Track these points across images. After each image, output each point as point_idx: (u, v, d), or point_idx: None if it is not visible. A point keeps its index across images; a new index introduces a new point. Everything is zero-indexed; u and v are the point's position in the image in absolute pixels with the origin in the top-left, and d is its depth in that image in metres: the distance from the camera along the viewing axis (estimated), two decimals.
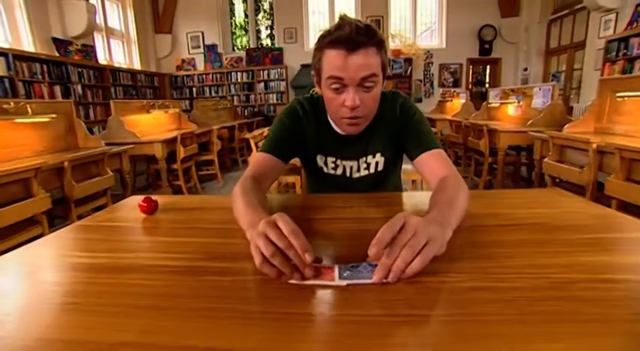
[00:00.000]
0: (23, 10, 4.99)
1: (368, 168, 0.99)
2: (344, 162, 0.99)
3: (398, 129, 0.94)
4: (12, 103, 2.33)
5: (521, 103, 3.77)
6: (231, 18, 8.49)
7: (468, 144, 3.81)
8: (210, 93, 8.38)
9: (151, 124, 4.05)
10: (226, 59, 8.24)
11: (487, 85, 8.04)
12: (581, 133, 2.52)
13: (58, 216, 2.34)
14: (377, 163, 0.99)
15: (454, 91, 6.38)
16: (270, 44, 8.36)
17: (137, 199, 0.83)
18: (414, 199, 0.97)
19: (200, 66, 8.34)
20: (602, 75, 4.92)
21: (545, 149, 2.60)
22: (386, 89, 0.97)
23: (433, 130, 4.20)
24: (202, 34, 8.19)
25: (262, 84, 8.21)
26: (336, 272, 0.48)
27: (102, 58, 6.57)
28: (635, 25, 4.55)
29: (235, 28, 8.57)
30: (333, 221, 0.75)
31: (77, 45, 5.69)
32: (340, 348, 0.36)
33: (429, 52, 7.90)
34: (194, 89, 8.40)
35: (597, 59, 5.20)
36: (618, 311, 0.40)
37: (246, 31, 8.48)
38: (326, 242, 0.64)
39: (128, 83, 7.01)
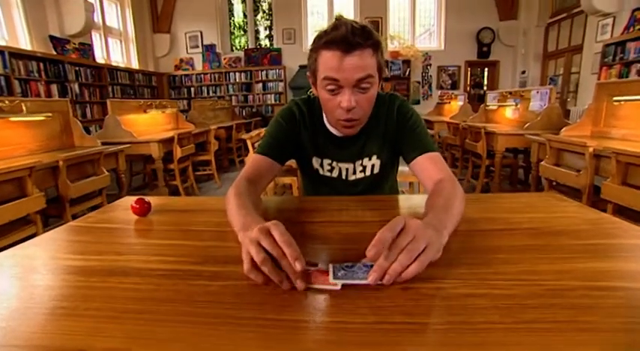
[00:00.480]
0: (20, 7, 4.96)
1: (364, 170, 0.99)
2: (340, 164, 0.98)
3: (394, 131, 0.94)
4: (7, 101, 2.31)
5: (518, 106, 3.78)
6: (230, 18, 8.48)
7: (466, 146, 3.81)
8: (208, 93, 8.36)
9: (148, 124, 4.03)
10: (224, 59, 8.23)
11: (485, 88, 8.06)
12: (578, 136, 2.52)
13: (52, 215, 2.32)
14: (373, 165, 0.98)
15: (452, 94, 6.40)
16: (268, 45, 8.36)
17: (131, 199, 0.82)
18: (410, 201, 0.96)
19: (198, 66, 8.32)
20: (599, 79, 4.94)
21: (543, 152, 2.61)
22: (383, 91, 0.96)
23: (431, 132, 4.19)
24: (201, 33, 8.17)
25: (260, 84, 8.21)
26: (330, 272, 0.48)
27: (99, 57, 6.55)
28: (631, 29, 4.58)
29: (234, 29, 8.56)
30: (328, 224, 0.74)
31: (75, 43, 5.66)
32: None
33: (427, 54, 7.92)
34: (192, 89, 8.38)
35: (594, 63, 5.23)
36: (614, 320, 0.39)
37: (245, 31, 8.47)
38: (321, 245, 0.63)
39: (126, 82, 6.98)
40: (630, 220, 1.62)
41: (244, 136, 2.74)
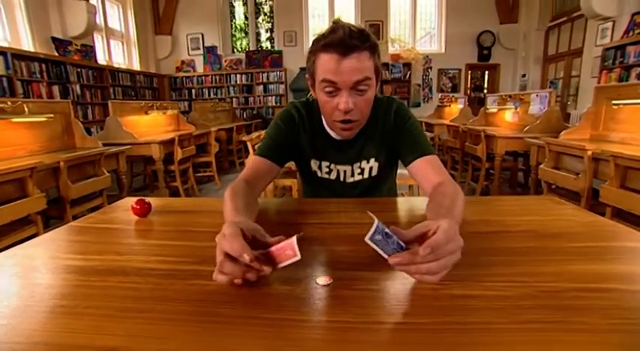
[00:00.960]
0: (23, 9, 4.99)
1: (362, 173, 0.99)
2: (338, 167, 0.99)
3: (392, 134, 0.94)
4: (9, 103, 2.32)
5: (518, 110, 3.79)
6: (232, 20, 8.51)
7: (466, 149, 3.82)
8: (209, 95, 8.37)
9: (149, 125, 4.05)
10: (226, 61, 8.26)
11: (485, 91, 8.08)
12: (577, 140, 2.53)
13: (53, 216, 2.33)
14: (371, 168, 0.99)
15: (452, 96, 6.41)
16: (269, 47, 8.38)
17: (131, 200, 0.83)
18: (408, 204, 0.97)
19: (199, 68, 8.34)
20: (599, 82, 4.95)
21: (542, 155, 2.62)
22: (381, 95, 0.98)
23: (431, 134, 4.18)
24: (202, 35, 8.20)
25: (261, 86, 8.22)
26: (373, 228, 0.47)
27: (101, 59, 6.57)
28: (631, 33, 4.59)
29: (235, 31, 8.59)
30: (327, 226, 0.75)
31: (77, 45, 5.68)
32: None
33: (427, 57, 7.94)
34: (193, 91, 8.40)
35: (594, 67, 5.24)
36: (607, 321, 0.40)
37: (246, 33, 8.50)
38: (320, 247, 0.64)
39: (127, 84, 7.00)
40: (628, 223, 1.63)
41: (245, 137, 2.75)
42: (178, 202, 1.01)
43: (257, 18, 8.40)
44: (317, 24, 8.08)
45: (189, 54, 8.36)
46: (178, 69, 8.40)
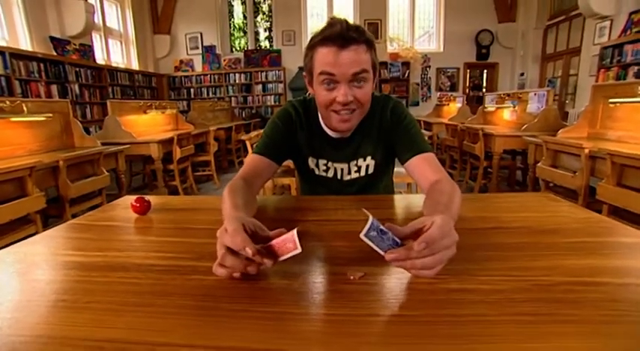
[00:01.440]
0: (21, 8, 4.98)
1: (358, 171, 1.00)
2: (335, 164, 1.00)
3: (389, 132, 0.95)
4: (7, 102, 2.33)
5: (516, 108, 3.80)
6: (230, 19, 8.50)
7: (464, 148, 3.83)
8: (208, 94, 8.37)
9: (148, 125, 4.05)
10: (224, 60, 8.25)
11: (484, 90, 8.09)
12: (574, 138, 2.54)
13: (52, 215, 2.33)
14: (367, 166, 1.00)
15: (451, 95, 6.42)
16: (268, 46, 8.38)
17: (131, 198, 0.83)
18: (405, 201, 0.98)
19: (198, 67, 8.33)
20: (597, 81, 4.97)
21: (540, 154, 2.63)
22: (379, 93, 0.98)
23: (429, 133, 4.19)
24: (201, 35, 8.19)
25: (260, 86, 8.22)
26: (368, 225, 0.48)
27: (100, 58, 6.56)
28: (628, 32, 4.61)
29: (234, 30, 8.58)
30: (325, 223, 0.76)
31: (75, 44, 5.67)
32: (326, 346, 0.37)
33: (426, 55, 7.94)
34: (192, 90, 8.39)
35: (592, 65, 5.26)
36: (596, 312, 0.41)
37: (245, 32, 8.49)
38: (317, 243, 0.64)
39: (126, 83, 6.99)
40: (624, 220, 1.64)
41: (244, 137, 2.76)
42: (177, 200, 1.02)
43: (256, 17, 8.39)
44: (316, 23, 8.07)
45: (187, 53, 8.35)
46: (177, 68, 8.39)
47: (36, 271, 0.56)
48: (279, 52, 8.10)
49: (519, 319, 0.40)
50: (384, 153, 0.99)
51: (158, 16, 8.12)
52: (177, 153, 3.56)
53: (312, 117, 0.98)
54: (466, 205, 0.81)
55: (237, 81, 8.23)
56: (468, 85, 8.20)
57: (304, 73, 0.89)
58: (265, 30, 8.42)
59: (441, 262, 0.47)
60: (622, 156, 1.75)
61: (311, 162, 1.01)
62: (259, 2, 8.29)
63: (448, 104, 6.18)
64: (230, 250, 0.48)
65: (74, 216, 2.18)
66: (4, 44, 4.66)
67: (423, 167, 0.86)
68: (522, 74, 7.50)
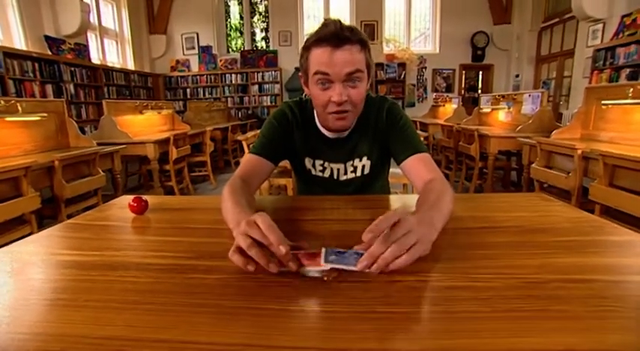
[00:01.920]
0: (15, 7, 4.94)
1: (355, 171, 1.01)
2: (331, 165, 1.01)
3: (384, 133, 0.96)
4: (2, 102, 2.31)
5: (511, 109, 3.84)
6: (227, 20, 8.49)
7: (460, 148, 3.86)
8: (204, 94, 8.35)
9: (144, 125, 4.03)
10: (221, 61, 8.24)
11: (479, 91, 8.15)
12: (568, 139, 2.57)
13: (47, 216, 2.32)
14: (363, 166, 1.01)
15: (447, 96, 6.45)
16: (264, 47, 8.38)
17: (127, 198, 0.84)
18: (401, 201, 0.99)
19: (194, 67, 8.31)
20: (590, 83, 5.03)
21: (534, 155, 2.66)
22: (374, 94, 1.00)
23: (425, 134, 4.20)
24: (197, 35, 8.17)
25: (256, 86, 8.22)
26: (322, 255, 0.50)
27: (95, 58, 6.52)
28: (620, 35, 4.67)
29: (230, 30, 8.57)
30: (321, 222, 0.76)
31: (70, 44, 5.64)
32: (322, 342, 0.37)
33: (422, 57, 7.99)
34: (188, 90, 8.37)
35: (586, 67, 5.32)
36: (585, 308, 0.42)
37: (241, 33, 8.49)
38: (314, 242, 0.65)
39: (121, 83, 6.96)
40: (616, 220, 1.67)
41: (240, 137, 2.76)
42: (174, 199, 1.02)
43: (252, 18, 8.39)
44: (312, 24, 8.08)
45: (184, 53, 8.32)
46: (173, 68, 8.37)
47: (33, 270, 0.57)
48: (275, 52, 8.10)
49: (511, 315, 0.41)
50: (380, 153, 1.00)
51: (154, 16, 8.09)
52: (174, 153, 3.55)
53: (308, 117, 0.99)
54: (461, 205, 0.83)
55: (233, 81, 8.22)
56: (463, 86, 8.26)
57: (300, 74, 0.90)
58: (262, 30, 8.42)
59: (406, 246, 0.48)
60: (614, 157, 1.78)
61: (307, 162, 1.02)
62: (256, 3, 8.30)
63: (444, 105, 6.21)
64: (257, 243, 0.49)
65: (69, 216, 2.17)
66: None
67: (418, 167, 0.87)
68: (517, 76, 7.57)
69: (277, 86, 8.13)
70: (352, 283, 0.49)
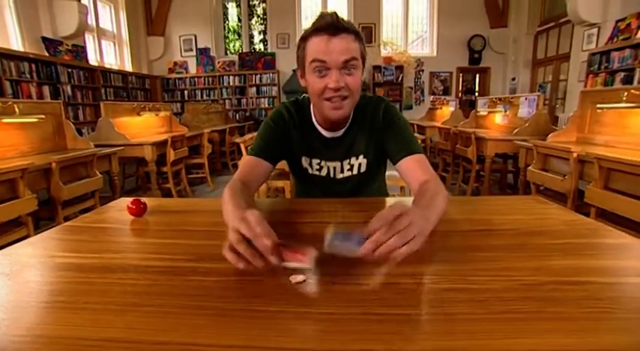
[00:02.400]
0: (12, 8, 4.92)
1: (351, 169, 1.02)
2: (328, 163, 1.02)
3: (381, 132, 0.97)
4: None
5: (507, 112, 3.86)
6: (225, 22, 8.50)
7: (457, 151, 3.88)
8: (202, 96, 8.34)
9: (142, 127, 4.02)
10: (219, 63, 8.24)
11: (476, 94, 8.19)
12: (564, 142, 2.59)
13: (44, 218, 2.31)
14: (360, 164, 1.01)
15: (444, 99, 6.48)
16: (262, 49, 8.39)
17: (126, 201, 0.84)
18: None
19: (192, 69, 8.31)
20: (585, 86, 5.07)
21: (530, 157, 2.67)
22: (371, 94, 1.02)
23: (422, 137, 4.22)
24: (195, 37, 8.17)
25: (254, 88, 8.22)
26: (328, 237, 0.51)
27: (93, 59, 6.51)
28: (615, 39, 4.72)
29: (228, 33, 8.58)
30: (318, 225, 0.77)
31: (67, 45, 5.62)
32: (320, 344, 0.38)
33: (419, 60, 8.02)
34: (185, 92, 8.36)
35: (581, 71, 5.36)
36: (579, 310, 0.43)
37: (239, 35, 8.50)
38: (312, 244, 0.65)
39: (119, 85, 6.94)
40: (612, 223, 1.68)
41: (238, 139, 2.76)
42: (172, 202, 1.02)
43: (250, 20, 8.41)
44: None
45: (181, 55, 8.32)
46: (171, 70, 8.36)
47: (32, 273, 0.57)
48: (273, 55, 8.12)
49: (507, 316, 0.42)
50: (376, 152, 1.01)
51: (152, 18, 8.09)
52: (171, 155, 3.55)
53: (305, 117, 1.00)
54: (458, 208, 0.84)
55: (231, 83, 8.22)
56: (460, 89, 8.30)
57: (297, 68, 0.91)
58: (260, 33, 8.44)
59: (408, 237, 0.50)
60: (609, 160, 1.79)
61: (304, 161, 1.03)
62: (254, 5, 8.32)
63: (441, 108, 6.24)
64: (244, 239, 0.50)
65: (66, 218, 2.17)
66: None
67: (414, 168, 0.88)
68: (514, 79, 7.62)
69: (275, 88, 8.13)
70: (350, 286, 0.50)
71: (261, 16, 8.32)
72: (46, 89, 5.11)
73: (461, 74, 8.21)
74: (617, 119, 2.42)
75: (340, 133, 0.98)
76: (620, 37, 4.63)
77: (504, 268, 0.55)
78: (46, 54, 5.27)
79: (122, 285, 0.51)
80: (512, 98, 3.83)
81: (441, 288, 0.49)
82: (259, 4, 8.26)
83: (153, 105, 4.26)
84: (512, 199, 0.98)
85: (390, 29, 8.18)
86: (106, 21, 7.13)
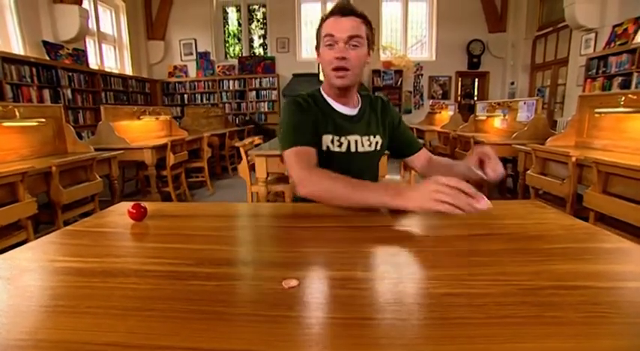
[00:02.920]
0: (14, 12, 4.95)
1: (371, 145, 1.11)
2: (349, 137, 1.07)
3: (389, 121, 1.16)
4: (0, 107, 2.31)
5: (506, 117, 3.88)
6: (225, 26, 8.55)
7: (456, 155, 3.89)
8: (202, 100, 8.37)
9: (141, 131, 4.03)
10: (218, 67, 8.27)
11: (475, 98, 8.23)
12: (562, 146, 2.60)
13: (43, 221, 2.31)
14: (377, 142, 1.12)
15: (443, 103, 6.52)
16: (262, 53, 8.43)
17: (126, 205, 0.84)
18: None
19: (192, 73, 8.34)
20: (583, 91, 5.10)
21: (529, 162, 2.68)
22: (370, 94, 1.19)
23: (422, 141, 4.25)
24: (195, 41, 8.21)
25: (254, 92, 8.25)
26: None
27: (93, 63, 6.53)
28: (612, 44, 4.75)
29: (228, 37, 8.62)
30: (320, 229, 0.77)
31: (68, 49, 5.65)
32: (320, 348, 0.38)
33: (419, 64, 8.07)
34: (185, 96, 8.38)
35: (579, 75, 5.40)
36: (577, 315, 0.43)
37: (239, 39, 8.54)
38: (313, 249, 0.66)
39: (119, 89, 6.96)
40: (611, 227, 1.69)
41: (237, 143, 2.77)
42: (173, 206, 1.03)
43: (250, 24, 8.45)
44: (310, 31, 8.16)
45: (181, 59, 8.35)
46: (171, 74, 8.39)
47: (33, 277, 0.57)
48: (273, 59, 8.16)
49: (505, 321, 0.42)
50: (385, 139, 1.16)
51: (152, 22, 8.13)
52: (171, 159, 3.55)
53: (320, 101, 1.09)
54: None
55: (231, 87, 8.25)
56: (459, 93, 8.33)
57: (315, 48, 1.05)
58: (260, 37, 8.48)
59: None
60: (607, 164, 1.80)
61: (326, 139, 1.05)
62: (254, 10, 8.37)
63: (440, 112, 6.27)
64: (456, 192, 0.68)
65: (66, 222, 2.17)
66: None
67: (425, 154, 1.21)
68: (512, 83, 7.66)
69: (275, 92, 8.16)
70: (350, 290, 0.50)
71: (261, 20, 8.37)
72: (46, 93, 5.12)
73: (460, 78, 8.25)
74: (615, 124, 2.43)
75: (355, 111, 1.10)
76: (618, 42, 4.67)
77: (503, 272, 0.55)
78: (47, 58, 5.30)
79: (123, 289, 0.51)
80: (510, 102, 3.85)
81: (439, 293, 0.49)
82: (259, 8, 8.31)
83: (153, 109, 4.27)
84: (511, 204, 0.99)
85: (389, 34, 8.23)
86: (107, 25, 7.17)
